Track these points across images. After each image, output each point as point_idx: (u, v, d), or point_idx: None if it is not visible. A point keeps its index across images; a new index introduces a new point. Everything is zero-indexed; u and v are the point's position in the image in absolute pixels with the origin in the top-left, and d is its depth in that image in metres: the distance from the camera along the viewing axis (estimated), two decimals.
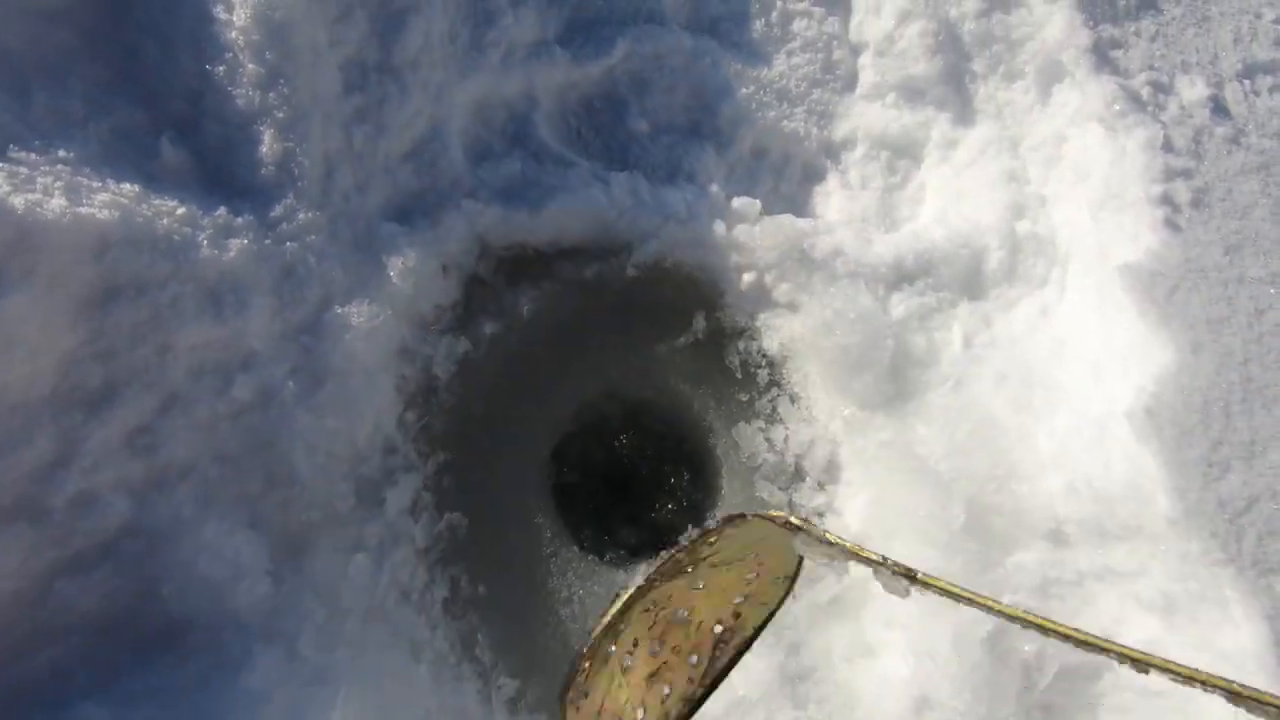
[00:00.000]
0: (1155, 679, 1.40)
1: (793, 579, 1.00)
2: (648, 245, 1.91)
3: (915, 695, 1.45)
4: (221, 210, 1.50)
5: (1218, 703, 1.35)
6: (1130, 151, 1.69)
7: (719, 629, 0.95)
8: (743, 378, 1.86)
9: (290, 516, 1.42)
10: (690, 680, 0.94)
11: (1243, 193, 1.66)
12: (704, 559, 1.06)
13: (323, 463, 1.49)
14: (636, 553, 1.77)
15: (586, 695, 1.03)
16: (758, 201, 1.97)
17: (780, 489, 1.76)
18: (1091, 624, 1.44)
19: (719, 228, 1.89)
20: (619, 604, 1.04)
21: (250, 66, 1.57)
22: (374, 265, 1.67)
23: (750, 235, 1.87)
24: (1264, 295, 1.53)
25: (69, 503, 1.25)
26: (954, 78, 2.06)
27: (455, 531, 1.60)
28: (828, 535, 1.01)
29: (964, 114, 2.05)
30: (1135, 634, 1.40)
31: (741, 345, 1.88)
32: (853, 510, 1.68)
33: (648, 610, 1.03)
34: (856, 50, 2.21)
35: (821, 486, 1.75)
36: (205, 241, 1.44)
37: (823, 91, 2.20)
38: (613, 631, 1.04)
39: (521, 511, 1.70)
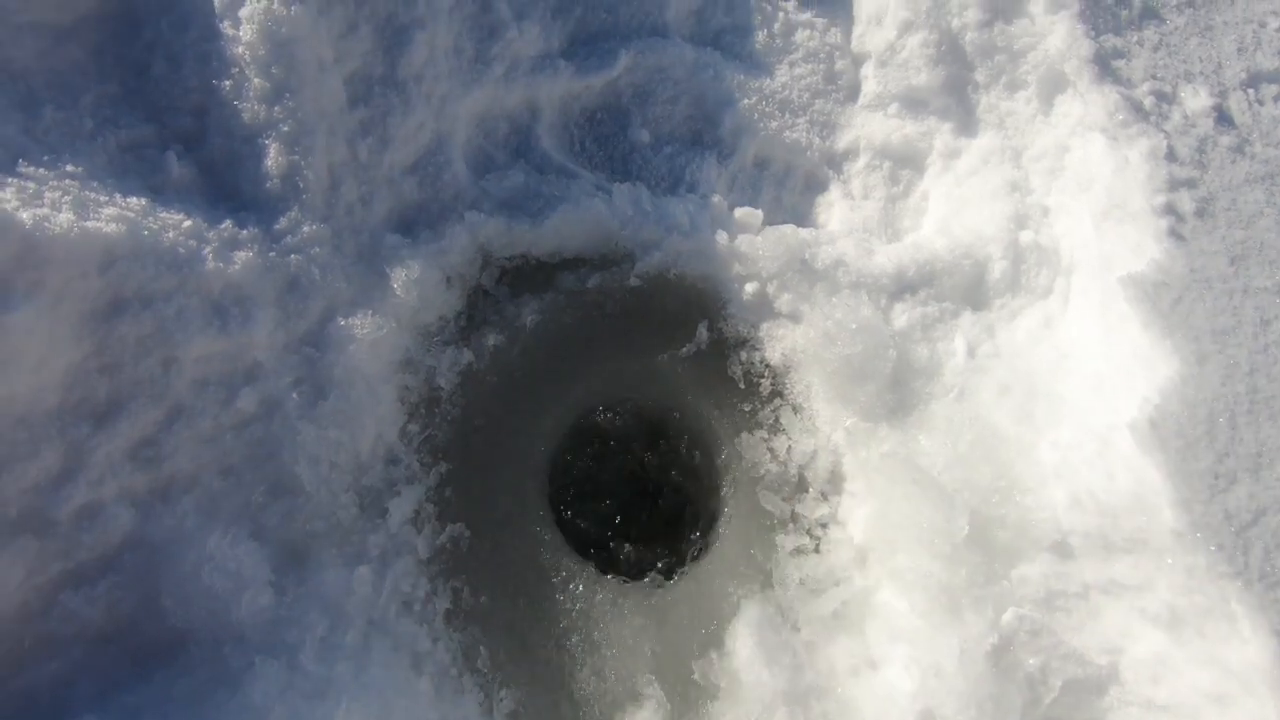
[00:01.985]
0: (1165, 691, 1.39)
1: None
2: (650, 256, 1.92)
3: (919, 710, 1.44)
4: (227, 223, 1.51)
5: (1229, 714, 1.34)
6: (1133, 161, 1.69)
7: None
8: (745, 388, 1.86)
9: (293, 527, 1.43)
10: None
11: (1248, 202, 1.65)
12: None
13: (326, 474, 1.49)
14: (639, 564, 1.76)
15: None
16: (760, 211, 1.97)
17: (783, 499, 1.75)
18: (1098, 637, 1.43)
19: (721, 238, 1.89)
20: None
21: (256, 81, 1.58)
22: (377, 277, 1.68)
23: (752, 245, 1.88)
24: (1270, 305, 1.52)
25: (74, 515, 1.26)
26: (956, 88, 2.06)
27: (458, 542, 1.60)
28: None
29: (966, 124, 2.06)
30: (1141, 648, 1.38)
31: (744, 355, 1.88)
32: (856, 521, 1.67)
33: None
34: (859, 61, 2.22)
35: (825, 497, 1.74)
36: (210, 254, 1.45)
37: (825, 102, 2.21)
38: None
39: (524, 523, 1.69)
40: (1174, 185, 1.65)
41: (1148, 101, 1.77)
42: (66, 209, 1.31)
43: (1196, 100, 1.78)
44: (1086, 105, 1.80)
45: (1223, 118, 1.77)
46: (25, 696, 1.18)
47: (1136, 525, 1.40)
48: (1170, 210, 1.62)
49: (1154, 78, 1.80)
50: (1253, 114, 1.79)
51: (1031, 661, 1.44)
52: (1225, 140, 1.73)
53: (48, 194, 1.31)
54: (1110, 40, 1.84)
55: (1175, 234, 1.59)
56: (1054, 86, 1.91)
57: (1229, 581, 1.27)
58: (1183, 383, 1.43)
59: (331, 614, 1.36)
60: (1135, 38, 1.86)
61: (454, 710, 1.39)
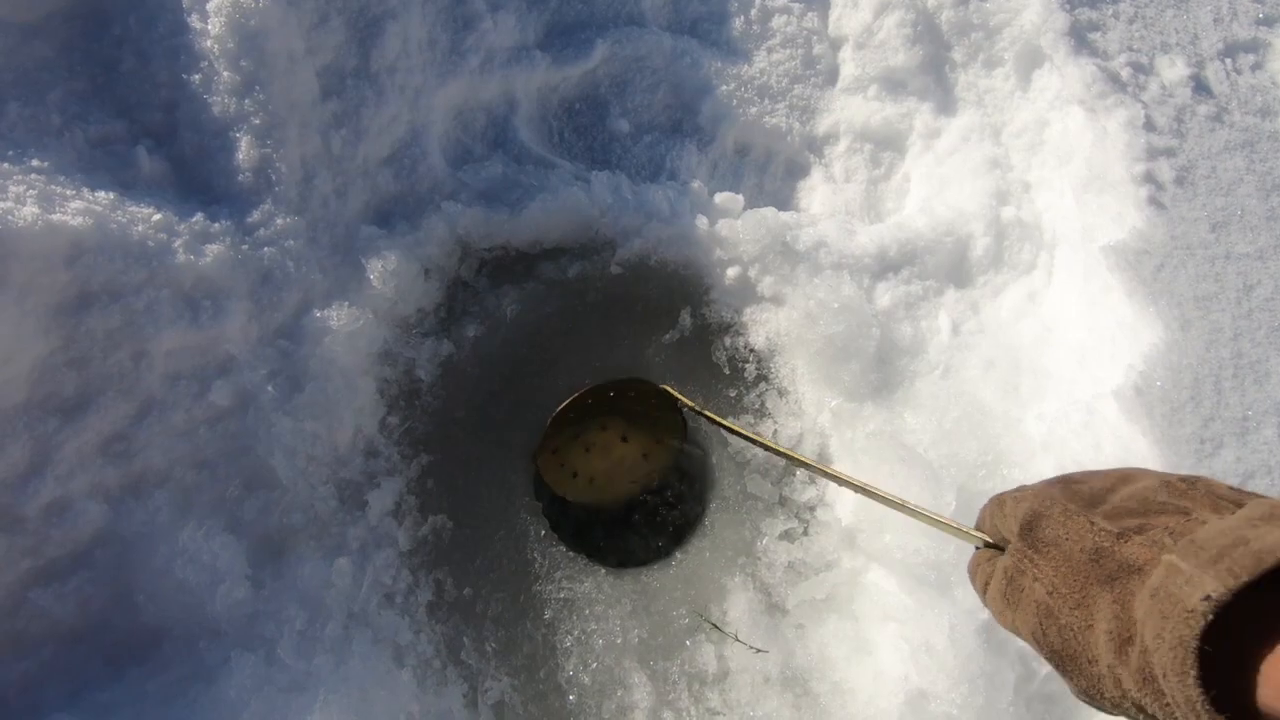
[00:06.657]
0: None
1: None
2: (631, 243, 1.90)
3: (911, 690, 1.41)
4: (198, 216, 1.49)
5: None
6: (1111, 132, 1.68)
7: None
8: (730, 373, 1.84)
9: (270, 521, 1.41)
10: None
11: (1227, 170, 1.64)
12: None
13: (303, 466, 1.47)
14: (625, 552, 1.73)
15: (555, 451, 1.73)
16: (740, 196, 1.96)
17: (771, 483, 1.73)
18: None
19: (702, 223, 1.88)
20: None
21: (225, 74, 1.57)
22: (353, 269, 1.67)
23: (733, 229, 1.86)
24: (1252, 270, 1.51)
25: (43, 511, 1.24)
26: (934, 67, 2.05)
27: (440, 534, 1.58)
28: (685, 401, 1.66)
29: (945, 103, 2.05)
30: None
31: (728, 340, 1.86)
32: (844, 502, 1.65)
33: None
34: (836, 44, 2.21)
35: (812, 480, 1.72)
36: (181, 247, 1.43)
37: (804, 87, 2.20)
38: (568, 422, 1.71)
39: (507, 513, 1.67)
40: (1153, 154, 1.64)
41: (1124, 73, 1.76)
42: (31, 202, 1.29)
43: (1173, 70, 1.77)
44: (1064, 78, 1.79)
45: (1200, 87, 1.76)
46: None
47: None
48: (1150, 179, 1.61)
49: (1130, 49, 1.79)
50: (1230, 83, 1.78)
51: None
52: (1203, 109, 1.73)
53: (12, 188, 1.30)
54: (1085, 13, 1.84)
55: (1155, 202, 1.58)
56: (1031, 61, 1.90)
57: None
58: (1167, 349, 1.42)
59: (310, 607, 1.34)
60: (1110, 11, 1.86)
61: (437, 702, 1.37)
